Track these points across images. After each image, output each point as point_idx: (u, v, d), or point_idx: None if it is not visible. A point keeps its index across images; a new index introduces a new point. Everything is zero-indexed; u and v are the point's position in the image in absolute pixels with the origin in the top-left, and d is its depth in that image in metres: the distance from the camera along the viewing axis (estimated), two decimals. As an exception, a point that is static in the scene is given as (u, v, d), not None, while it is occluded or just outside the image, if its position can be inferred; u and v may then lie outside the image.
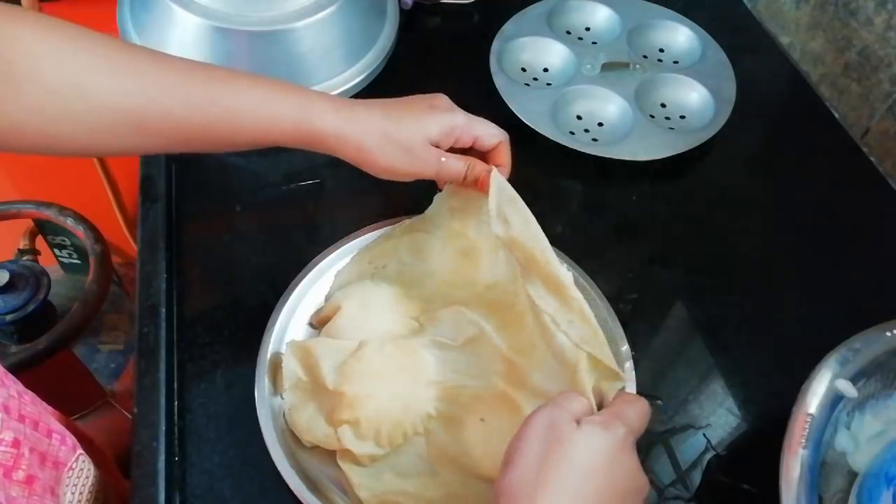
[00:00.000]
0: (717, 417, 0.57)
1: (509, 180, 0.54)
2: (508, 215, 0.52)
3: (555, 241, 0.51)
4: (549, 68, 0.81)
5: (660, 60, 0.82)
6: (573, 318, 0.48)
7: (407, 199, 0.61)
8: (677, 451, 0.55)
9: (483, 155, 0.55)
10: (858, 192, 0.73)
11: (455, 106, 0.54)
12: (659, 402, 0.57)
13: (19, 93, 0.42)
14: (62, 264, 1.05)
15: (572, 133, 0.74)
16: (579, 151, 0.70)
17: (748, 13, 0.91)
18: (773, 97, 0.82)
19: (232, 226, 0.68)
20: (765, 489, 0.45)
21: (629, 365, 0.55)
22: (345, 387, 0.51)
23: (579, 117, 0.76)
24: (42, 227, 0.99)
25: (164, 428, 0.53)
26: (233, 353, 0.58)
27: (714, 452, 0.55)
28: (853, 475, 0.49)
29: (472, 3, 0.87)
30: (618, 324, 0.57)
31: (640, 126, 0.73)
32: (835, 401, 0.47)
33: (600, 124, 0.76)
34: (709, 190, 0.73)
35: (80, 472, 0.49)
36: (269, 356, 0.55)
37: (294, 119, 0.50)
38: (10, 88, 0.42)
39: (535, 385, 0.52)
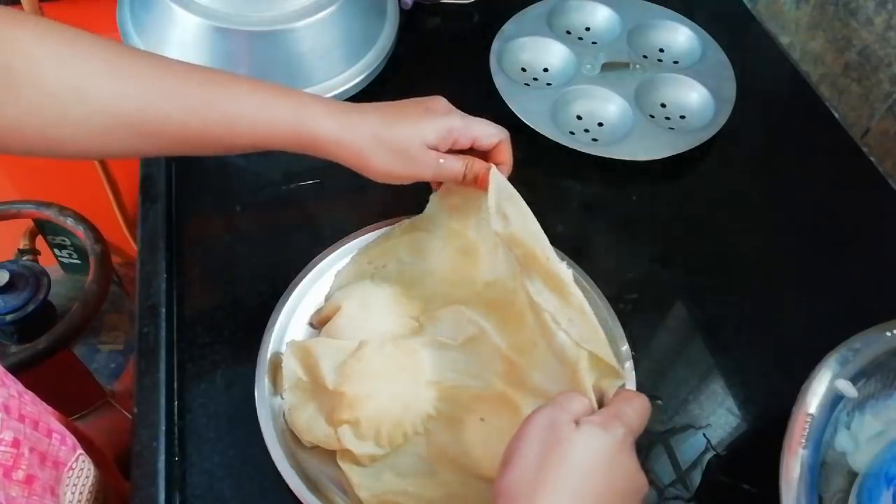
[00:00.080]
0: (717, 417, 0.57)
1: (510, 179, 0.54)
2: (508, 213, 0.52)
3: (555, 240, 0.51)
4: (549, 68, 0.81)
5: (660, 60, 0.82)
6: (573, 315, 0.48)
7: (407, 199, 0.61)
8: (677, 451, 0.55)
9: (483, 154, 0.55)
10: (858, 192, 0.73)
11: (453, 108, 0.54)
12: (659, 402, 0.57)
13: (19, 96, 0.42)
14: (62, 264, 1.05)
15: (572, 133, 0.74)
16: (579, 151, 0.70)
17: (748, 13, 0.91)
18: (773, 97, 0.82)
19: (232, 226, 0.68)
20: (765, 489, 0.45)
21: (629, 365, 0.55)
22: (345, 387, 0.51)
23: (579, 117, 0.76)
24: (42, 227, 0.99)
25: (164, 428, 0.53)
26: (233, 353, 0.58)
27: (714, 452, 0.55)
28: (853, 475, 0.49)
29: (472, 3, 0.87)
30: (618, 324, 0.57)
31: (640, 126, 0.73)
32: (835, 401, 0.47)
33: (600, 124, 0.76)
34: (709, 190, 0.73)
35: (80, 472, 0.49)
36: (269, 356, 0.55)
37: (292, 124, 0.50)
38: (10, 91, 0.42)
39: (535, 384, 0.52)
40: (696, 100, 0.77)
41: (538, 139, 0.71)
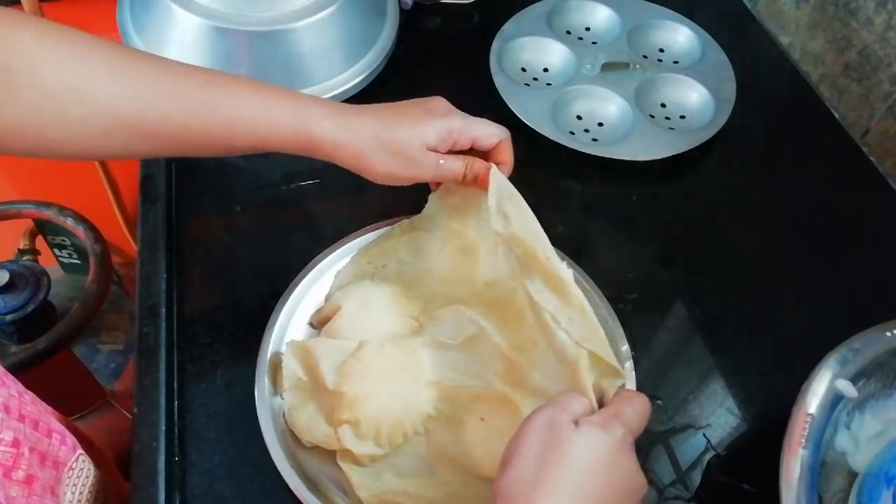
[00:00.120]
0: (717, 417, 0.57)
1: (510, 178, 0.54)
2: (508, 212, 0.52)
3: (555, 240, 0.51)
4: (549, 68, 0.81)
5: (660, 60, 0.82)
6: (573, 315, 0.48)
7: (407, 199, 0.61)
8: (677, 451, 0.55)
9: (484, 154, 0.55)
10: (858, 192, 0.73)
11: (453, 108, 0.54)
12: (659, 402, 0.57)
13: (19, 96, 0.42)
14: (62, 264, 1.06)
15: (572, 133, 0.74)
16: (579, 151, 0.70)
17: (748, 13, 0.91)
18: (773, 97, 0.82)
19: (232, 226, 0.68)
20: (765, 489, 0.45)
21: (629, 365, 0.55)
22: (345, 387, 0.51)
23: (579, 117, 0.76)
24: (42, 227, 0.99)
25: (164, 428, 0.53)
26: (233, 353, 0.58)
27: (714, 452, 0.55)
28: (853, 475, 0.49)
29: (472, 3, 0.87)
30: (618, 324, 0.57)
31: (640, 126, 0.73)
32: (835, 401, 0.47)
33: (600, 124, 0.76)
34: (709, 190, 0.73)
35: (80, 472, 0.49)
36: (269, 356, 0.55)
37: (292, 126, 0.50)
38: (10, 92, 0.42)
39: (535, 384, 0.52)
40: (696, 100, 0.77)
41: (538, 139, 0.71)
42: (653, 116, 0.76)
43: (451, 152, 0.54)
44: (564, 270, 0.49)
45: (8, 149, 0.44)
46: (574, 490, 0.37)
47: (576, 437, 0.39)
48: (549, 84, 0.79)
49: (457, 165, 0.54)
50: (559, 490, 0.37)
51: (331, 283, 0.60)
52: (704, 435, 0.56)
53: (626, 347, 0.56)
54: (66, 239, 1.00)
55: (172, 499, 0.50)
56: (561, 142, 0.71)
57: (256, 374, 0.54)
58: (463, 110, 0.55)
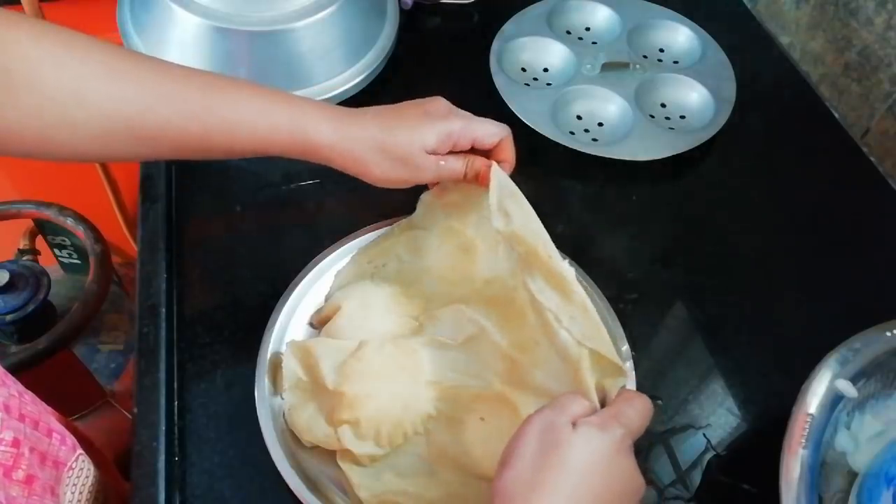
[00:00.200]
0: (717, 417, 0.57)
1: (511, 176, 0.54)
2: (509, 210, 0.52)
3: (555, 240, 0.51)
4: (549, 68, 0.81)
5: (660, 60, 0.82)
6: (575, 313, 0.47)
7: (407, 199, 0.61)
8: (677, 451, 0.55)
9: (485, 152, 0.55)
10: (858, 192, 0.73)
11: (452, 109, 0.54)
12: (659, 402, 0.57)
13: (18, 98, 0.42)
14: (62, 264, 1.05)
15: (572, 133, 0.74)
16: (579, 151, 0.70)
17: (748, 13, 0.91)
18: (773, 97, 0.82)
19: (232, 226, 0.68)
20: (765, 489, 0.45)
21: (629, 365, 0.55)
22: (345, 387, 0.51)
23: (579, 117, 0.76)
24: (42, 227, 0.99)
25: (164, 428, 0.53)
26: (233, 353, 0.58)
27: (714, 452, 0.55)
28: (853, 475, 0.49)
29: (472, 3, 0.87)
30: (618, 324, 0.57)
31: (640, 126, 0.73)
32: (835, 401, 0.47)
33: (600, 124, 0.76)
34: (709, 190, 0.73)
35: (80, 472, 0.49)
36: (269, 356, 0.55)
37: (290, 131, 0.50)
38: (9, 93, 0.42)
39: (537, 383, 0.52)
40: (696, 100, 0.77)
41: (538, 139, 0.71)
42: (653, 116, 0.76)
43: (451, 152, 0.54)
44: (566, 268, 0.49)
45: (7, 150, 0.44)
46: (571, 490, 0.38)
47: (573, 437, 0.39)
48: (549, 84, 0.79)
49: (457, 165, 0.54)
50: (556, 490, 0.37)
51: (331, 283, 0.60)
52: (704, 435, 0.56)
53: (626, 347, 0.56)
54: (66, 239, 1.00)
55: (172, 499, 0.50)
56: (561, 142, 0.71)
57: (256, 374, 0.54)
58: (461, 110, 0.54)
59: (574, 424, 0.40)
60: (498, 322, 0.54)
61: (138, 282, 0.61)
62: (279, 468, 0.49)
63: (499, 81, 0.76)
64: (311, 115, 0.51)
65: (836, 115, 0.79)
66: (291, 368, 0.54)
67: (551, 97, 0.75)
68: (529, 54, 0.81)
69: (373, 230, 0.62)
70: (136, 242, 0.64)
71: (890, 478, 0.45)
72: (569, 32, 0.84)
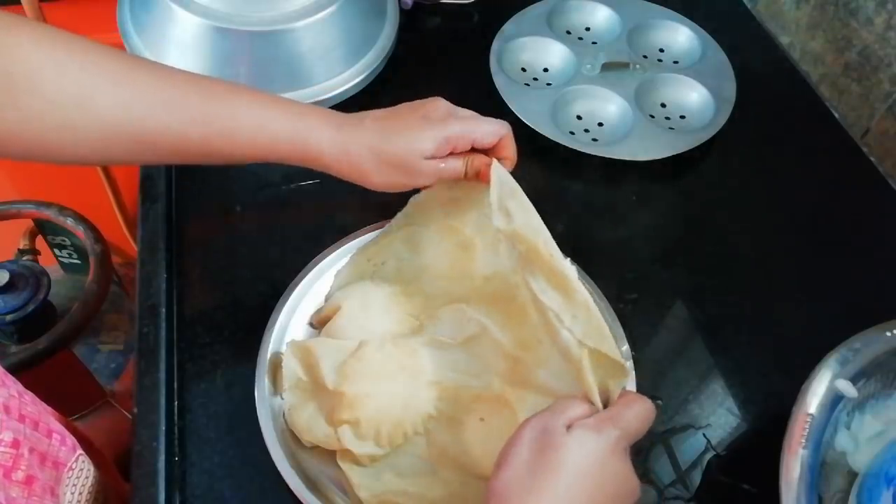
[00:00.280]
0: (717, 417, 0.57)
1: (512, 175, 0.54)
2: (510, 209, 0.51)
3: (555, 240, 0.51)
4: (549, 68, 0.81)
5: (660, 60, 0.82)
6: (577, 312, 0.47)
7: (407, 199, 0.61)
8: (677, 451, 0.55)
9: (486, 150, 0.55)
10: (858, 192, 0.73)
11: (451, 110, 0.53)
12: (659, 402, 0.57)
13: (19, 101, 0.43)
14: (62, 264, 1.05)
15: (572, 133, 0.74)
16: (579, 151, 0.70)
17: (748, 13, 0.91)
18: (773, 97, 0.81)
19: (232, 226, 0.68)
20: (765, 489, 0.45)
21: (629, 365, 0.55)
22: (345, 387, 0.51)
23: (579, 117, 0.76)
24: (42, 227, 0.99)
25: (164, 428, 0.53)
26: (233, 353, 0.58)
27: (714, 452, 0.55)
28: (853, 475, 0.49)
29: (472, 3, 0.87)
30: (618, 324, 0.57)
31: (640, 126, 0.73)
32: (835, 401, 0.47)
33: (600, 124, 0.76)
34: (709, 190, 0.73)
35: (79, 473, 0.49)
36: (269, 356, 0.55)
37: (290, 139, 0.50)
38: (10, 96, 0.42)
39: (539, 382, 0.52)
40: (696, 100, 0.77)
41: (538, 139, 0.71)
42: (653, 116, 0.76)
43: (451, 153, 0.54)
44: (568, 267, 0.48)
45: (8, 153, 0.44)
46: (565, 491, 0.38)
47: (567, 439, 0.39)
48: (549, 84, 0.79)
49: (457, 166, 0.54)
50: (550, 491, 0.38)
51: (331, 283, 0.60)
52: (704, 435, 0.56)
53: (626, 347, 0.56)
54: (66, 239, 1.00)
55: (172, 499, 0.50)
56: (561, 142, 0.71)
57: (256, 374, 0.54)
58: (461, 110, 0.54)
59: (569, 427, 0.40)
60: (499, 321, 0.54)
61: (138, 282, 0.61)
62: (279, 468, 0.49)
63: (499, 81, 0.76)
64: (310, 124, 0.51)
65: (836, 115, 0.79)
66: (291, 368, 0.54)
67: (551, 97, 0.75)
68: (529, 54, 0.81)
69: (373, 230, 0.62)
70: (136, 242, 0.64)
71: (890, 478, 0.45)
72: (569, 32, 0.84)
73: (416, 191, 0.59)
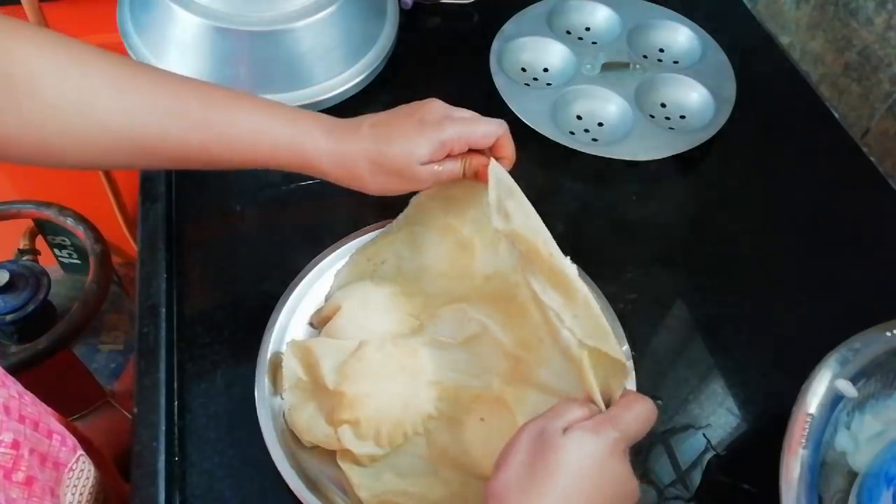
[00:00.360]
0: (717, 417, 0.57)
1: (511, 172, 0.54)
2: (508, 209, 0.51)
3: (555, 240, 0.51)
4: (549, 68, 0.81)
5: (660, 60, 0.82)
6: (578, 312, 0.47)
7: (407, 199, 0.61)
8: (677, 451, 0.55)
9: (484, 150, 0.55)
10: (858, 192, 0.73)
11: (448, 112, 0.53)
12: (659, 402, 0.57)
13: (20, 105, 0.43)
14: (62, 264, 1.06)
15: (572, 133, 0.74)
16: (579, 151, 0.70)
17: (748, 13, 0.91)
18: (773, 97, 0.81)
19: (232, 226, 0.68)
20: (765, 489, 0.45)
21: (629, 365, 0.55)
22: (345, 387, 0.51)
23: (579, 117, 0.76)
24: (42, 227, 0.99)
25: (164, 428, 0.53)
26: (233, 353, 0.58)
27: (714, 452, 0.55)
28: (853, 475, 0.49)
29: (472, 3, 0.87)
30: (618, 324, 0.57)
31: (640, 126, 0.73)
32: (835, 401, 0.47)
33: (600, 124, 0.76)
34: (709, 190, 0.73)
35: (80, 473, 0.49)
36: (269, 356, 0.55)
37: (288, 146, 0.51)
38: (11, 99, 0.42)
39: (541, 381, 0.52)
40: (696, 100, 0.77)
41: (538, 139, 0.71)
42: (653, 116, 0.76)
43: (449, 155, 0.54)
44: (568, 266, 0.48)
45: (8, 156, 0.45)
46: (562, 493, 0.38)
47: (566, 441, 0.39)
48: (549, 84, 0.79)
49: (454, 168, 0.53)
50: (548, 493, 0.38)
51: (331, 283, 0.60)
52: (704, 435, 0.56)
53: (626, 347, 0.56)
54: (66, 239, 1.00)
55: (172, 499, 0.50)
56: (561, 142, 0.71)
57: (256, 374, 0.54)
58: (458, 111, 0.54)
59: (568, 429, 0.40)
60: (500, 320, 0.54)
61: (138, 282, 0.61)
62: (279, 468, 0.49)
63: (499, 81, 0.76)
64: (308, 131, 0.51)
65: (836, 115, 0.79)
66: (291, 368, 0.54)
67: (551, 97, 0.75)
68: (529, 54, 0.81)
69: (373, 230, 0.62)
70: (136, 242, 0.64)
71: (890, 478, 0.45)
72: (569, 32, 0.84)
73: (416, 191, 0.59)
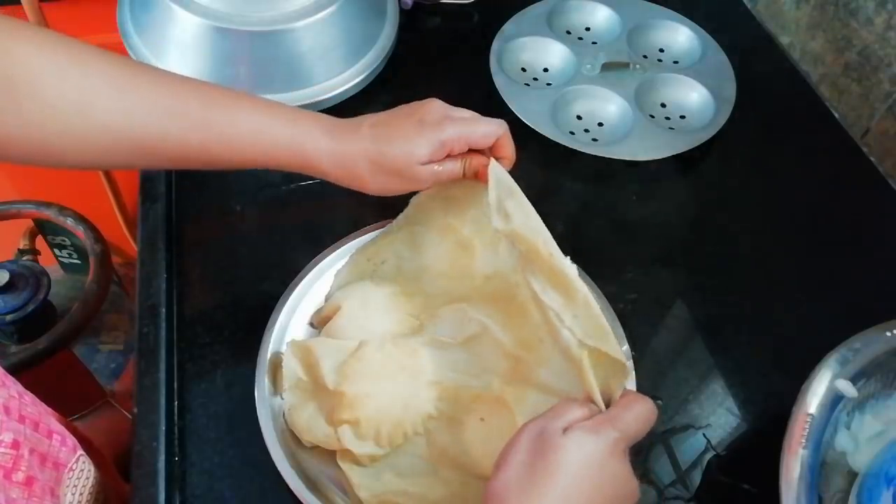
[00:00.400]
0: (717, 417, 0.57)
1: (511, 172, 0.54)
2: (508, 209, 0.51)
3: (555, 240, 0.51)
4: (549, 68, 0.81)
5: (660, 60, 0.82)
6: (578, 312, 0.47)
7: (407, 199, 0.61)
8: (677, 451, 0.55)
9: (484, 150, 0.55)
10: (858, 192, 0.73)
11: (447, 112, 0.53)
12: (659, 402, 0.57)
13: (20, 105, 0.43)
14: (62, 264, 1.06)
15: (572, 133, 0.74)
16: (579, 151, 0.70)
17: (748, 13, 0.91)
18: (773, 97, 0.81)
19: (232, 226, 0.68)
20: (765, 489, 0.45)
21: (629, 365, 0.55)
22: (345, 387, 0.51)
23: (579, 117, 0.76)
24: (42, 227, 0.99)
25: (164, 428, 0.53)
26: (233, 353, 0.58)
27: (714, 452, 0.55)
28: (853, 475, 0.49)
29: (472, 3, 0.87)
30: (618, 324, 0.57)
31: (640, 126, 0.73)
32: (835, 401, 0.47)
33: (600, 124, 0.76)
34: (709, 190, 0.73)
35: (80, 473, 0.49)
36: (269, 356, 0.55)
37: (288, 146, 0.51)
38: (12, 99, 0.42)
39: (541, 381, 0.52)
40: (696, 100, 0.77)
41: (538, 139, 0.71)
42: (653, 116, 0.76)
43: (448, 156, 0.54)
44: (568, 265, 0.48)
45: (8, 157, 0.45)
46: (562, 493, 0.38)
47: (565, 441, 0.39)
48: (549, 84, 0.79)
49: (454, 168, 0.53)
50: (547, 493, 0.38)
51: (331, 283, 0.60)
52: (704, 435, 0.56)
53: (626, 347, 0.56)
54: (66, 239, 1.00)
55: (172, 499, 0.50)
56: (561, 142, 0.71)
57: (256, 374, 0.54)
58: (457, 111, 0.54)
59: (567, 429, 0.40)
60: (500, 320, 0.54)
61: (138, 282, 0.61)
62: (279, 468, 0.49)
63: (499, 81, 0.76)
64: (308, 131, 0.51)
65: (836, 115, 0.79)
66: (292, 368, 0.54)
67: (551, 97, 0.75)
68: (529, 54, 0.81)
69: (373, 230, 0.62)
70: (136, 242, 0.64)
71: (890, 478, 0.45)
72: (569, 32, 0.84)
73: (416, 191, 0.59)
